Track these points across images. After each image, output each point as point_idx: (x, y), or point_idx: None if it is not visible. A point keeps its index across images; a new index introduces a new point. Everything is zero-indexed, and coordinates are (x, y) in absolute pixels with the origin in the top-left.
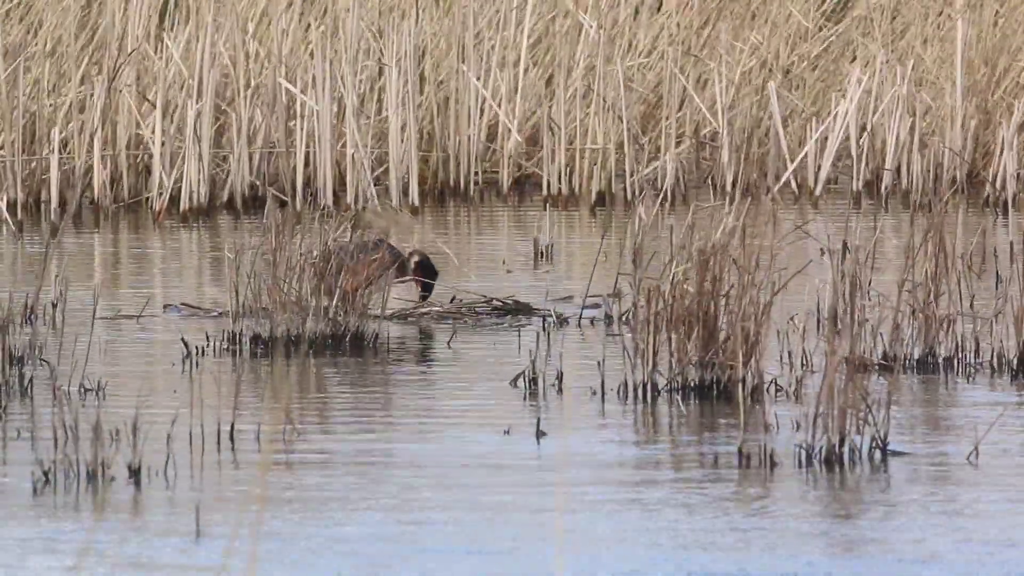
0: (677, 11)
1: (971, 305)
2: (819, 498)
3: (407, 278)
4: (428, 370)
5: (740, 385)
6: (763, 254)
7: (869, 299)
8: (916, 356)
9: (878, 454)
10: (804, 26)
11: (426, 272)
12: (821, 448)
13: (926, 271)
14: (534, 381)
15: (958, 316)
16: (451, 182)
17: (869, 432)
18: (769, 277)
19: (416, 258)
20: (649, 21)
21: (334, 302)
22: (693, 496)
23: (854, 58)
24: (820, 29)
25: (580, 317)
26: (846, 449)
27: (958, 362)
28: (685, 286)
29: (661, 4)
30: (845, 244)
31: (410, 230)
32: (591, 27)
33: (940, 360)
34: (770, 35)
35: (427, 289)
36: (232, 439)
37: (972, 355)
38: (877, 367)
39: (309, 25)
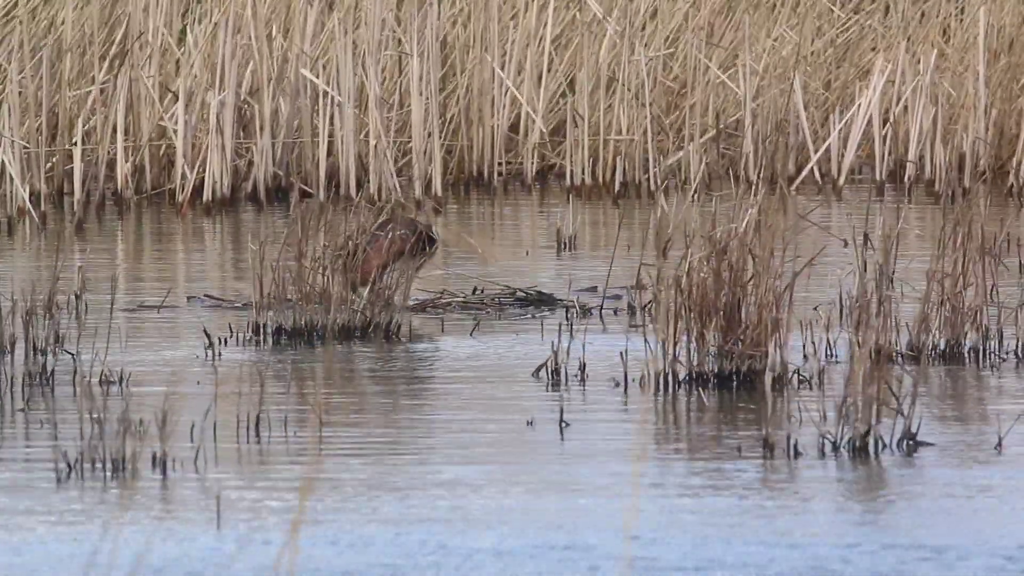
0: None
1: (996, 294)
2: (844, 487)
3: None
4: (450, 361)
5: (763, 374)
6: (780, 243)
7: (894, 288)
8: (942, 346)
9: (903, 444)
10: (826, 16)
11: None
12: (846, 438)
13: (955, 261)
14: (557, 372)
15: (984, 306)
16: (475, 172)
17: (895, 422)
18: (785, 265)
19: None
20: (672, 10)
21: (366, 293)
22: (717, 484)
23: (875, 48)
24: (848, 16)
25: (602, 307)
26: (871, 439)
27: (983, 352)
28: (703, 275)
29: None
30: (866, 235)
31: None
32: (606, 18)
33: (966, 350)
34: (796, 24)
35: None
36: (257, 430)
37: (997, 344)
38: (902, 357)
39: (331, 15)
